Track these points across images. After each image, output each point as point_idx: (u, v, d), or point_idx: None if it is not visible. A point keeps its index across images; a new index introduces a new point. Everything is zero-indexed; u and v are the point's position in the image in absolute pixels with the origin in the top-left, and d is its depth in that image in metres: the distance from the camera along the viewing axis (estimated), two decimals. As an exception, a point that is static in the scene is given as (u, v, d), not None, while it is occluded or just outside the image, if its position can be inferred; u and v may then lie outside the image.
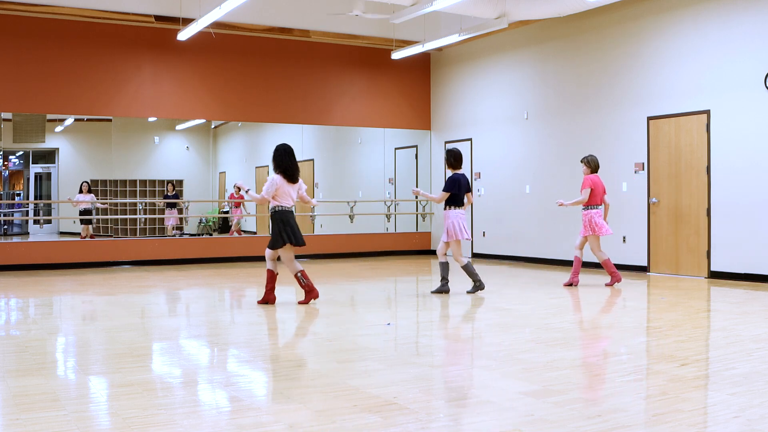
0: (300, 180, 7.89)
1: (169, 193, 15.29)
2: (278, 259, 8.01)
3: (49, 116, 14.54)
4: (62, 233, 15.46)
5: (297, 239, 7.73)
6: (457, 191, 8.60)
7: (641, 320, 7.13)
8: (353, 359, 5.25)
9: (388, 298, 8.85)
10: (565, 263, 12.25)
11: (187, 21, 11.59)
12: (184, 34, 11.62)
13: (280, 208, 7.70)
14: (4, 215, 15.45)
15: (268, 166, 17.28)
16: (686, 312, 7.32)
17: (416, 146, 15.85)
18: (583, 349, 5.49)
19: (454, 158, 8.72)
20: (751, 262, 9.68)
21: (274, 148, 7.84)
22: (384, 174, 16.19)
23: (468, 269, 8.68)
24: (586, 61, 11.98)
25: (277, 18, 12.94)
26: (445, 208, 8.70)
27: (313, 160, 16.62)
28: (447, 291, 8.77)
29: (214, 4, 10.43)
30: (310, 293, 7.94)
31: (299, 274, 7.92)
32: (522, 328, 6.50)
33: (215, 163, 16.68)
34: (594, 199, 9.21)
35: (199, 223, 16.55)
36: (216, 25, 11.80)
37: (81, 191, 14.04)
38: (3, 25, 11.93)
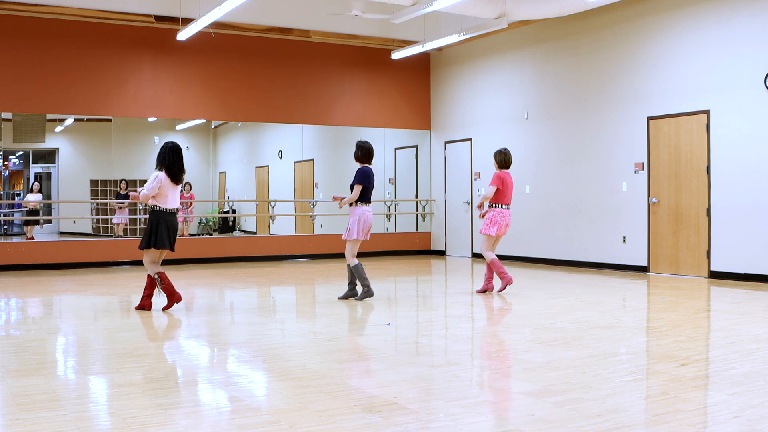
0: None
1: (121, 192, 14.94)
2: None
3: (49, 116, 14.53)
4: (62, 233, 15.46)
5: (160, 244, 7.31)
6: (368, 184, 8.11)
7: (641, 320, 7.13)
8: (353, 359, 5.25)
9: (388, 298, 8.85)
10: (565, 263, 12.26)
11: (186, 21, 11.60)
12: (184, 34, 11.62)
13: (158, 208, 7.32)
14: (4, 215, 15.44)
15: (268, 166, 17.29)
16: (686, 312, 7.32)
17: (416, 146, 15.86)
18: (583, 349, 5.49)
19: (362, 152, 8.20)
20: (751, 262, 9.68)
21: (164, 144, 7.46)
22: (384, 174, 16.19)
23: (359, 272, 8.13)
24: (586, 61, 11.98)
25: (277, 18, 12.94)
26: (354, 204, 8.11)
27: (313, 160, 16.62)
28: (371, 294, 8.25)
29: (214, 4, 10.43)
30: (172, 297, 7.47)
31: (157, 276, 7.44)
32: (522, 328, 6.50)
33: (215, 163, 16.68)
34: (501, 197, 8.77)
35: (199, 223, 16.55)
36: (216, 25, 11.80)
37: (32, 191, 14.02)
38: (3, 25, 11.93)
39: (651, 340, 6.01)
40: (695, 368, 4.84)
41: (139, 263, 12.79)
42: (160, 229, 7.29)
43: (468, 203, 14.49)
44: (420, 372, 4.79)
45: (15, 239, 14.99)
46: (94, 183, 15.24)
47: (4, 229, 15.15)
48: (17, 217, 15.85)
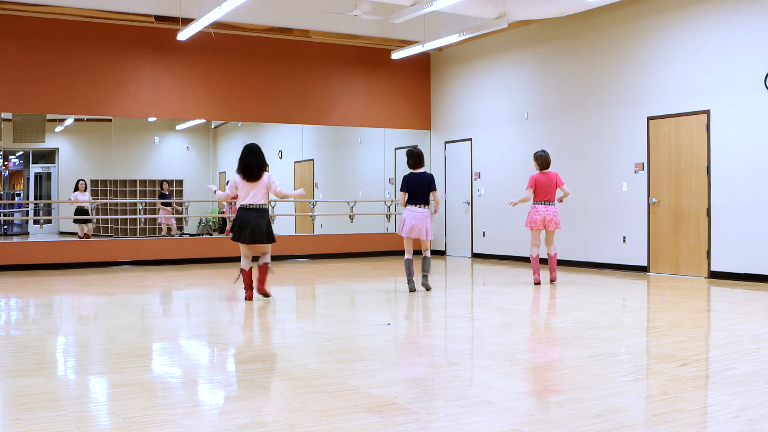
0: (266, 177, 8.12)
1: (164, 192, 15.27)
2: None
3: (49, 116, 14.53)
4: (62, 233, 15.46)
5: (243, 238, 7.96)
6: (409, 190, 8.88)
7: (641, 320, 7.13)
8: (353, 359, 5.25)
9: (388, 298, 8.85)
10: (565, 263, 12.25)
11: (187, 21, 11.60)
12: (184, 34, 11.62)
13: (239, 206, 8.09)
14: (4, 215, 15.45)
15: (268, 166, 17.27)
16: (686, 312, 7.32)
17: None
18: (583, 349, 5.49)
19: (412, 160, 8.97)
20: (751, 262, 9.68)
21: (245, 146, 8.21)
22: (384, 174, 16.18)
23: (406, 266, 8.98)
24: (586, 61, 11.98)
25: (277, 18, 12.94)
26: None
27: (312, 160, 16.62)
28: (412, 290, 8.93)
29: (214, 4, 10.43)
30: (248, 290, 8.17)
31: (241, 271, 8.17)
32: (522, 328, 6.50)
33: (215, 163, 16.68)
34: (534, 196, 9.56)
35: (199, 223, 16.54)
36: (216, 25, 11.80)
37: (77, 189, 14.06)
38: (3, 25, 11.93)
39: (651, 340, 6.01)
40: (695, 368, 4.84)
41: (139, 263, 12.80)
42: (235, 225, 8.02)
43: (468, 203, 14.48)
44: (420, 372, 4.79)
45: (15, 239, 14.99)
46: (94, 183, 15.24)
47: (4, 229, 15.15)
48: (17, 217, 15.84)
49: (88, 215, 14.23)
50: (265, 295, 8.21)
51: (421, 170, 8.90)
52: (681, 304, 7.83)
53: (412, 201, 8.84)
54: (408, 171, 9.03)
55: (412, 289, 8.88)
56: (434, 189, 8.89)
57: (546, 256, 9.89)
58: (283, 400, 4.18)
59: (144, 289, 9.66)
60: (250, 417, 3.79)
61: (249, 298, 8.18)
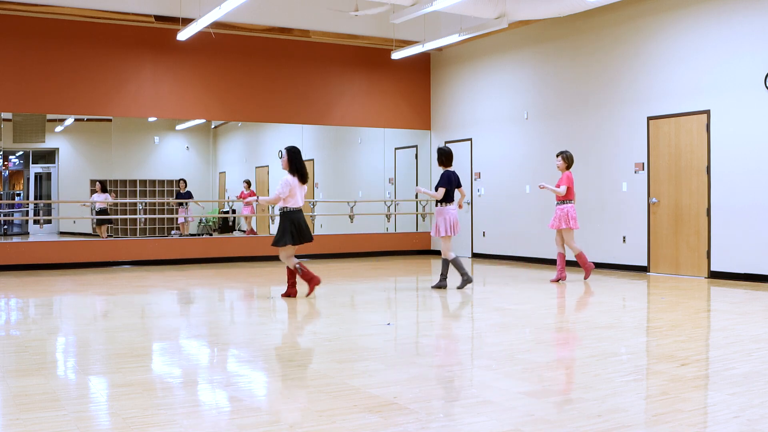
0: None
1: (181, 191, 15.48)
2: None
3: (49, 116, 14.52)
4: (62, 233, 15.46)
5: (303, 239, 8.15)
6: (450, 187, 8.97)
7: (641, 320, 7.13)
8: (353, 359, 5.25)
9: (388, 298, 8.85)
10: (566, 263, 12.24)
11: (187, 21, 11.60)
12: (184, 34, 11.62)
13: (288, 209, 8.09)
14: (4, 215, 15.45)
15: (268, 165, 17.28)
16: (686, 312, 7.32)
17: (416, 146, 15.86)
18: (583, 349, 5.49)
19: (445, 156, 9.15)
20: (751, 262, 9.68)
21: (288, 149, 8.23)
22: (384, 174, 16.18)
23: (457, 263, 8.95)
24: (586, 61, 11.98)
25: (277, 18, 12.94)
26: (439, 204, 8.99)
27: (313, 160, 16.62)
28: (470, 281, 9.13)
29: (214, 4, 10.43)
30: (312, 281, 8.27)
31: (297, 266, 8.25)
32: (522, 328, 6.50)
33: (215, 163, 16.67)
34: (572, 195, 9.81)
35: (199, 223, 16.54)
36: (216, 25, 11.80)
37: (96, 191, 14.20)
38: (3, 25, 11.93)
39: (651, 340, 6.01)
40: (695, 368, 4.84)
41: (139, 263, 12.79)
42: (292, 227, 8.06)
43: (468, 203, 14.48)
44: (420, 372, 4.79)
45: (15, 239, 14.99)
46: (93, 183, 15.24)
47: (4, 229, 15.15)
48: (17, 217, 15.84)
49: (108, 215, 14.33)
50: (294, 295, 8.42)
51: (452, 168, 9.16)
52: (681, 304, 7.83)
53: (448, 199, 8.96)
54: (441, 169, 9.20)
55: (470, 280, 9.04)
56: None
57: (559, 256, 10.05)
58: (283, 400, 4.18)
59: (144, 289, 9.66)
60: (250, 417, 3.79)
61: (313, 289, 8.36)
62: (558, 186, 9.78)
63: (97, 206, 14.24)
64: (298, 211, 8.14)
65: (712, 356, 5.36)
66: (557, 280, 9.91)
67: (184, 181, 15.55)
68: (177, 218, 15.34)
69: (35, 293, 9.23)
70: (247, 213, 15.86)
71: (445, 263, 9.11)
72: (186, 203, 15.49)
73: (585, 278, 10.06)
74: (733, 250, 9.87)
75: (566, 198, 9.74)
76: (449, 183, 8.96)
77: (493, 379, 4.61)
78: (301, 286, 8.60)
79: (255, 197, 8.74)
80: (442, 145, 15.18)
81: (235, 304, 8.86)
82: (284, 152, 8.26)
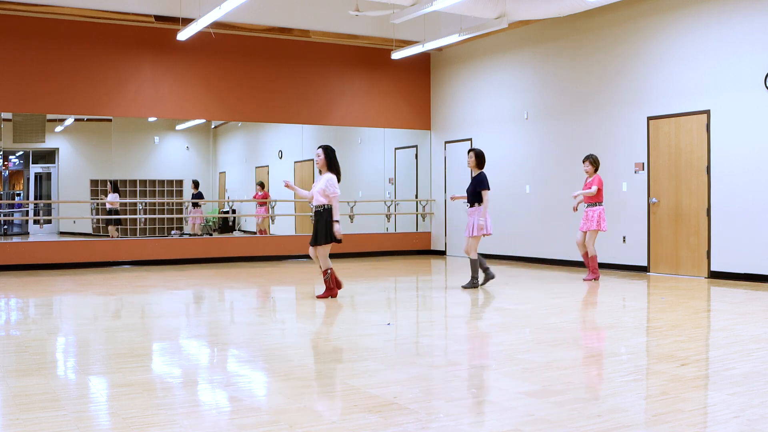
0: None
1: (193, 192, 15.59)
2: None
3: (49, 116, 14.53)
4: (62, 233, 15.46)
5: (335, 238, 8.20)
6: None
7: (641, 320, 7.13)
8: (353, 359, 5.25)
9: (388, 298, 8.85)
10: (566, 263, 12.26)
11: (187, 21, 11.60)
12: (184, 34, 11.62)
13: (327, 206, 8.09)
14: (4, 215, 15.45)
15: (267, 165, 17.28)
16: (686, 312, 7.32)
17: (416, 146, 15.85)
18: (583, 349, 5.49)
19: (483, 158, 9.27)
20: (751, 262, 9.68)
21: (326, 147, 8.24)
22: (384, 174, 16.18)
23: (477, 264, 9.24)
24: (586, 61, 11.97)
25: (277, 18, 12.94)
26: (475, 205, 9.15)
27: (312, 160, 16.62)
28: (492, 276, 9.37)
29: (214, 4, 10.43)
30: (332, 290, 8.28)
31: (330, 271, 8.24)
32: (522, 328, 6.50)
33: (215, 163, 16.68)
34: (600, 196, 9.98)
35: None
36: (216, 25, 11.80)
37: (108, 191, 14.28)
38: (3, 25, 11.93)
39: (651, 340, 6.01)
40: (695, 368, 4.84)
41: (139, 263, 12.79)
42: (332, 225, 8.08)
43: (468, 203, 14.47)
44: (420, 372, 4.79)
45: (15, 239, 14.99)
46: (93, 183, 15.24)
47: (4, 229, 15.16)
48: (17, 217, 15.84)
49: (119, 215, 14.37)
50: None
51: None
52: (681, 304, 7.83)
53: (481, 200, 9.09)
54: (472, 171, 9.34)
55: (477, 285, 9.22)
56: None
57: (585, 256, 10.18)
58: (283, 400, 4.18)
59: (144, 289, 9.66)
60: (249, 417, 3.79)
61: (336, 294, 8.40)
62: (589, 187, 9.93)
63: (108, 206, 14.28)
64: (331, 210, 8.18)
65: (712, 356, 5.36)
66: (593, 279, 10.00)
67: (196, 183, 15.68)
68: (189, 218, 15.45)
69: (35, 293, 9.23)
70: (261, 213, 15.90)
71: (480, 261, 9.29)
72: (198, 204, 15.58)
73: (586, 279, 10.06)
74: (733, 250, 9.87)
75: (597, 200, 9.89)
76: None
77: (493, 379, 4.61)
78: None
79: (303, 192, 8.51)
80: (442, 145, 15.18)
81: (235, 304, 8.86)
82: (321, 151, 8.23)
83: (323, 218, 8.09)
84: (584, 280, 10.04)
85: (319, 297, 8.30)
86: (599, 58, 11.76)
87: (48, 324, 7.08)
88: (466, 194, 9.34)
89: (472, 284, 9.19)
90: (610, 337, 6.02)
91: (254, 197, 16.03)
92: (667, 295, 8.70)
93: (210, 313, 7.96)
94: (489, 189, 9.13)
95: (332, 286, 8.26)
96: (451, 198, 9.99)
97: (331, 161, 8.18)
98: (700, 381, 4.54)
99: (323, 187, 8.06)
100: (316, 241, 8.15)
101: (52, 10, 11.47)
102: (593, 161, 10.05)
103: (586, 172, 10.10)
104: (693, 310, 7.48)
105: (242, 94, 13.78)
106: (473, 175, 9.25)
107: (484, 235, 9.13)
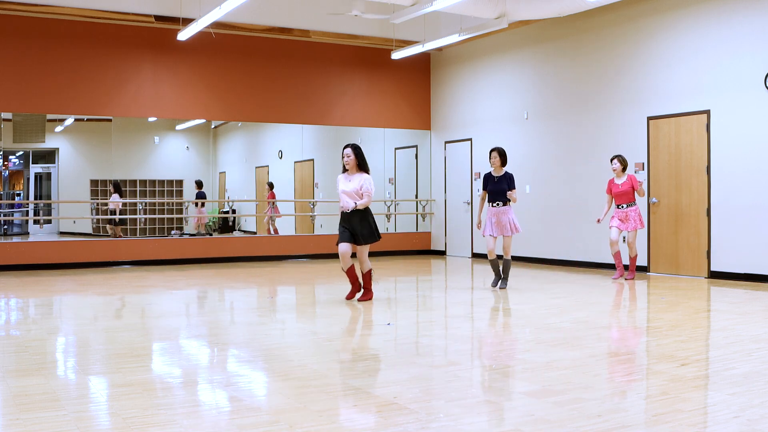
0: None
1: (197, 190, 15.65)
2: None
3: (49, 116, 14.53)
4: (62, 233, 15.46)
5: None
6: None
7: (641, 320, 7.13)
8: (353, 359, 5.25)
9: (388, 298, 8.85)
10: (565, 263, 12.26)
11: (187, 21, 11.60)
12: (184, 34, 11.62)
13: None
14: (4, 215, 15.45)
15: (268, 166, 17.29)
16: (686, 312, 7.32)
17: (416, 146, 15.85)
18: (583, 349, 5.49)
19: (506, 157, 9.26)
20: (751, 262, 9.68)
21: (354, 147, 7.99)
22: (384, 174, 16.18)
23: (507, 265, 9.35)
24: (586, 61, 11.97)
25: (277, 18, 12.94)
26: (498, 204, 9.17)
27: (313, 160, 16.62)
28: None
29: (214, 4, 10.43)
30: (357, 290, 8.14)
31: (371, 271, 8.13)
32: (522, 328, 6.50)
33: (215, 163, 16.68)
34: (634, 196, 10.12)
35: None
36: (216, 25, 11.80)
37: (112, 191, 14.37)
38: (3, 25, 11.93)
39: (651, 340, 6.01)
40: (695, 368, 4.84)
41: (139, 263, 12.79)
42: (375, 223, 7.99)
43: (468, 203, 14.48)
44: (420, 372, 4.79)
45: (15, 239, 14.99)
46: (93, 183, 15.24)
47: (4, 229, 15.16)
48: (17, 217, 15.84)
49: (122, 215, 14.42)
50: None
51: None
52: (681, 304, 7.83)
53: (506, 199, 9.18)
54: (489, 171, 9.36)
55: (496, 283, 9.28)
56: None
57: (617, 255, 10.28)
58: (283, 400, 4.18)
59: (144, 289, 9.66)
60: (249, 417, 3.79)
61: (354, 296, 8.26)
62: (635, 188, 9.96)
63: (111, 206, 14.29)
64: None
65: (712, 356, 5.36)
66: (632, 278, 10.12)
67: (200, 182, 15.73)
68: (196, 217, 15.51)
69: (35, 293, 9.23)
70: (272, 214, 15.94)
71: (494, 263, 9.28)
72: (202, 203, 15.60)
73: (628, 278, 10.14)
74: (733, 250, 9.87)
75: (633, 199, 10.01)
76: None
77: (493, 379, 4.61)
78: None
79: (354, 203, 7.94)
80: (442, 145, 15.18)
81: (235, 304, 8.86)
82: (350, 151, 7.93)
83: (365, 217, 7.89)
84: (626, 279, 10.07)
85: (360, 300, 8.06)
86: (599, 58, 11.76)
87: (48, 324, 7.08)
88: (489, 195, 9.25)
89: (505, 284, 9.26)
90: (610, 337, 6.02)
91: (268, 198, 16.13)
92: (667, 295, 8.70)
93: (210, 313, 7.95)
94: (515, 187, 9.27)
95: (370, 287, 8.15)
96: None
97: (362, 160, 7.97)
98: (700, 381, 4.54)
99: (365, 187, 7.82)
100: (364, 240, 7.86)
101: (52, 10, 11.47)
102: (622, 160, 10.08)
103: (614, 171, 10.13)
104: (693, 310, 7.48)
105: (242, 94, 13.78)
106: (496, 174, 9.14)
107: (507, 236, 9.25)
